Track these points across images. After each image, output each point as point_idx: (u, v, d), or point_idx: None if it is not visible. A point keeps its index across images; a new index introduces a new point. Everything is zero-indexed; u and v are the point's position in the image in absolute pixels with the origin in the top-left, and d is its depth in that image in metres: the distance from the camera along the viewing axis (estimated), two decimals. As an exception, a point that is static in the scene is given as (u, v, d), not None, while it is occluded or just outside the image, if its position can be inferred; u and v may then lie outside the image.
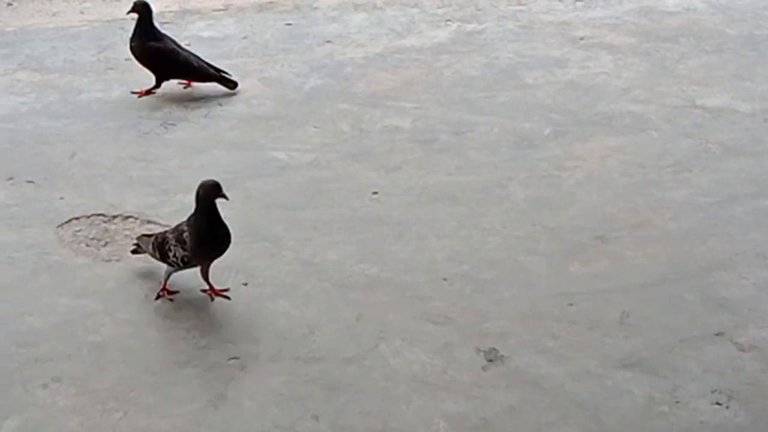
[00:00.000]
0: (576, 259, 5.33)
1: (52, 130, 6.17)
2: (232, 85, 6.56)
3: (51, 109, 6.35)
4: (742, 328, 4.89)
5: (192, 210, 4.83)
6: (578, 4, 7.73)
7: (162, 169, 5.89)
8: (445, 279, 5.18)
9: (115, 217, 5.49)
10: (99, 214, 5.50)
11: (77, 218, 5.47)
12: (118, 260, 5.20)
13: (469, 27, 7.39)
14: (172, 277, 4.93)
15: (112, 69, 6.79)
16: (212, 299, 4.94)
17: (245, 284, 5.07)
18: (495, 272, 5.23)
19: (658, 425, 4.36)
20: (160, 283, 4.95)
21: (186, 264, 4.84)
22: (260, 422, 4.31)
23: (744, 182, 5.92)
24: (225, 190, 4.72)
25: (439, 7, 7.62)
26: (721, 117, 6.51)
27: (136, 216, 5.50)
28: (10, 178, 5.75)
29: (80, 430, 4.25)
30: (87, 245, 5.30)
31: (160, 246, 4.88)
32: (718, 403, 4.47)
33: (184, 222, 4.85)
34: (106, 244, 5.31)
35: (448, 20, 7.48)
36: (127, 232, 5.39)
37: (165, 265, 4.91)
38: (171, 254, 4.82)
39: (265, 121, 6.36)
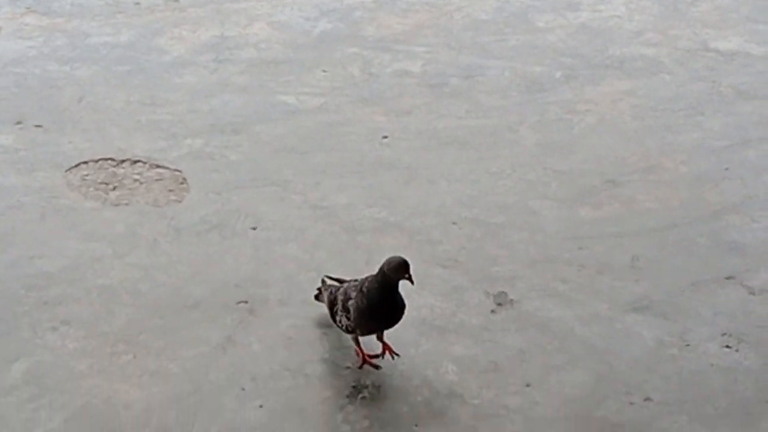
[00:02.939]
0: (586, 202, 5.31)
1: (60, 74, 6.14)
2: None
3: (59, 53, 6.31)
4: (753, 271, 4.87)
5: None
6: (591, -54, 7.64)
7: (170, 113, 5.86)
8: (454, 223, 5.16)
9: (123, 161, 5.47)
10: (107, 159, 5.48)
11: (86, 162, 5.45)
12: (126, 204, 5.19)
13: (480, -30, 7.31)
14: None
15: (120, 13, 6.73)
16: (382, 357, 4.34)
17: (254, 228, 5.06)
18: (505, 216, 5.21)
19: (668, 368, 4.35)
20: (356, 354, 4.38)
21: (351, 332, 4.27)
22: (269, 365, 4.32)
23: (757, 125, 5.88)
24: (410, 271, 4.06)
25: (450, -50, 7.54)
26: (734, 60, 6.44)
27: (144, 160, 5.48)
28: (19, 122, 5.72)
29: (89, 372, 4.26)
30: (96, 189, 5.29)
31: (330, 304, 4.32)
32: (727, 346, 4.46)
33: (356, 283, 4.22)
34: (114, 188, 5.30)
35: (459, -37, 7.41)
36: (136, 177, 5.37)
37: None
38: (337, 318, 4.27)
39: (274, 65, 6.31)
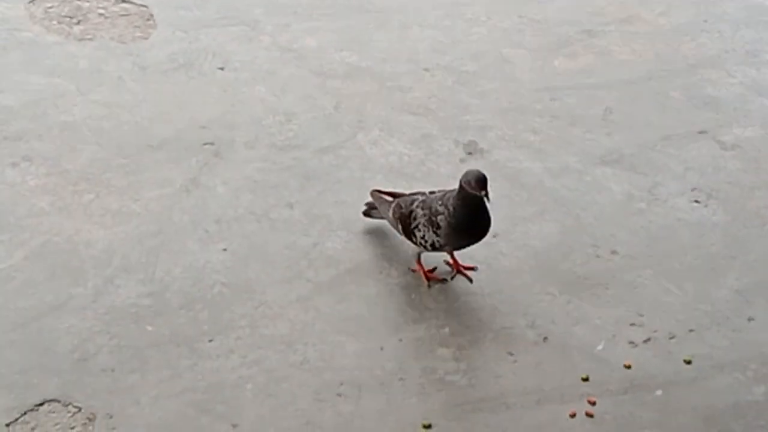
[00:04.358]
0: (561, 53, 5.23)
1: None
2: None
3: None
4: (726, 126, 4.83)
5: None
6: None
7: (138, -54, 5.69)
8: (426, 69, 5.07)
9: (88, -5, 5.33)
10: (72, -9, 5.34)
11: (49, -6, 5.31)
12: (91, 39, 5.06)
13: None
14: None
15: None
16: (452, 278, 4.09)
17: (222, 68, 4.96)
18: (478, 64, 5.12)
19: (636, 221, 4.34)
20: (415, 269, 4.09)
21: (435, 249, 4.00)
22: (233, 208, 4.26)
23: (738, -23, 5.79)
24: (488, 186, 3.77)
25: None
26: None
27: (110, -5, 5.34)
28: (-21, -49, 5.54)
29: (51, 210, 4.19)
30: (59, 23, 5.14)
31: (403, 219, 4.00)
32: (696, 201, 4.44)
33: (438, 197, 3.94)
34: (79, 22, 5.16)
35: None
36: (101, 11, 5.22)
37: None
38: (419, 234, 3.96)
39: None
